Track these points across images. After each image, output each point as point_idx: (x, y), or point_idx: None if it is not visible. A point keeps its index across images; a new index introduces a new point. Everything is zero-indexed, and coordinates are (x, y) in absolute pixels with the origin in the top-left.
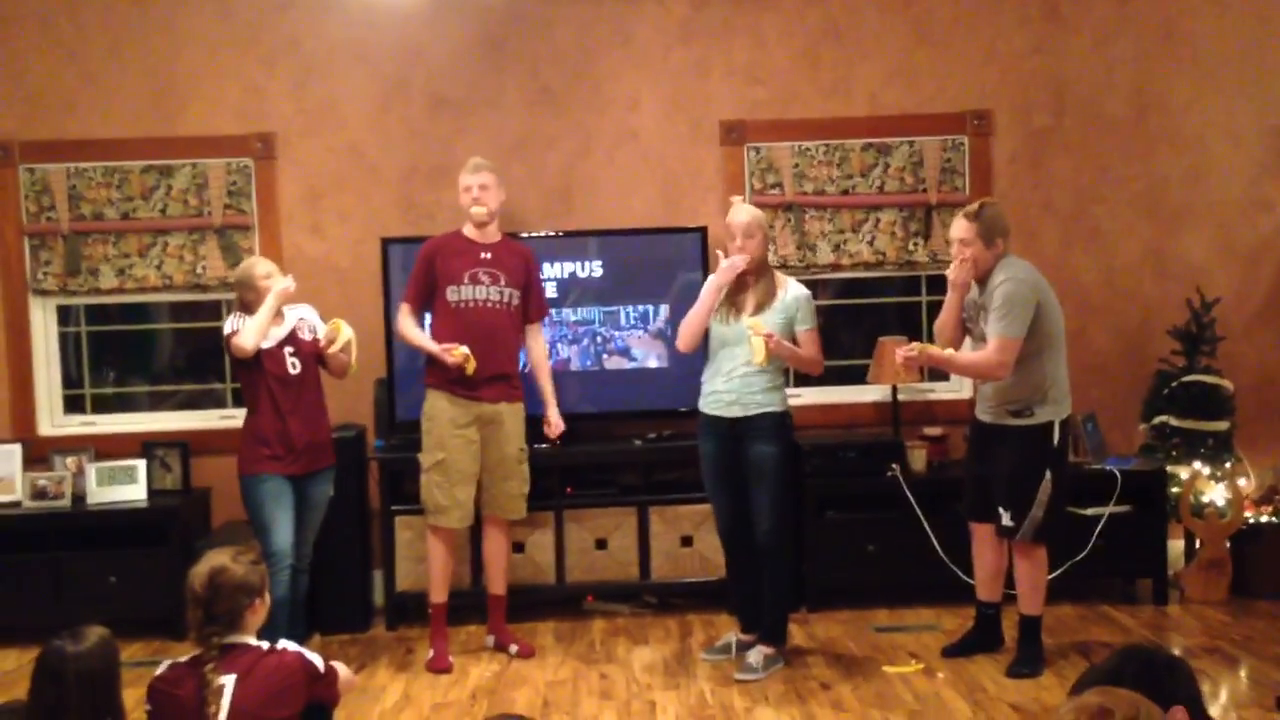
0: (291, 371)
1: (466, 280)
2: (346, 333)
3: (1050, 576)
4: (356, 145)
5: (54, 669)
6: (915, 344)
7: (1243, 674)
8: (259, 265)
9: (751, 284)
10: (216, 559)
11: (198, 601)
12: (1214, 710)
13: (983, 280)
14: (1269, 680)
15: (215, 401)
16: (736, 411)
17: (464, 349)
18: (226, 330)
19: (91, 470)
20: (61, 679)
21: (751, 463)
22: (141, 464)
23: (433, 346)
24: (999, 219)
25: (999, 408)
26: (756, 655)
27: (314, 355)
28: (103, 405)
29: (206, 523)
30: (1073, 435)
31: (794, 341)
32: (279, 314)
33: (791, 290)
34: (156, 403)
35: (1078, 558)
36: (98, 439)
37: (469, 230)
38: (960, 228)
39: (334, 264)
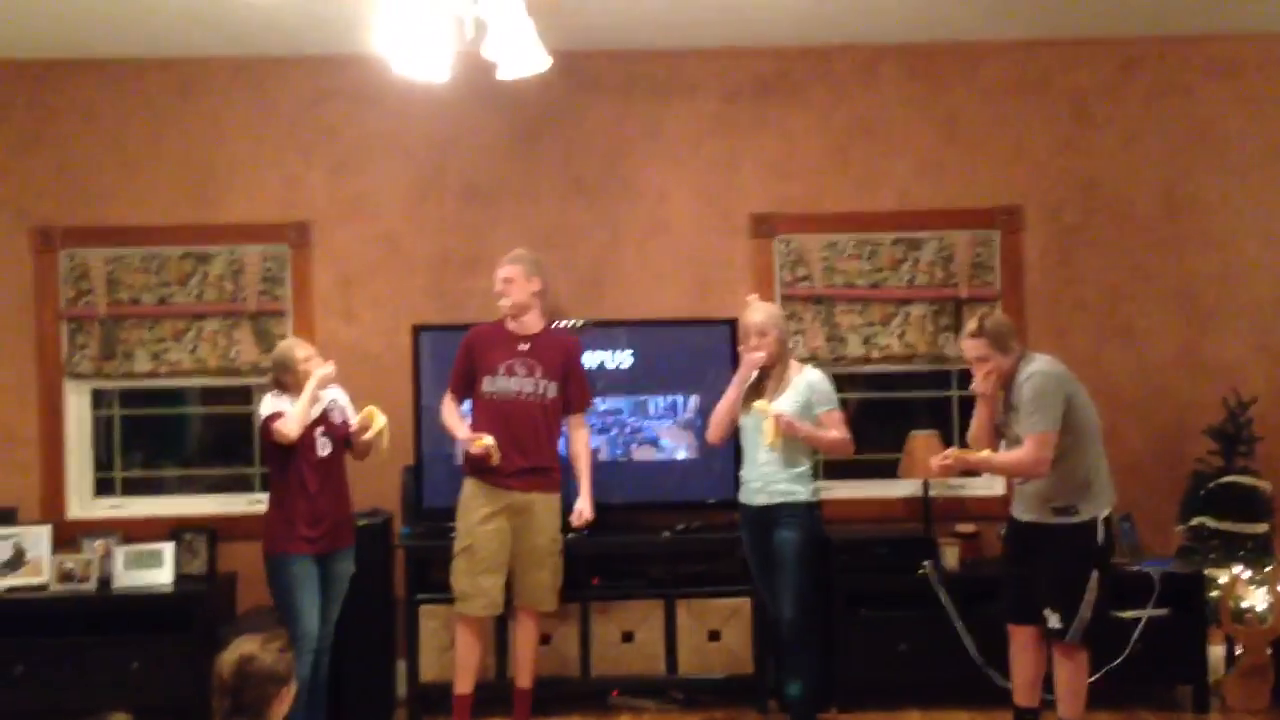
0: (322, 453)
1: (501, 372)
2: (380, 421)
3: (1090, 680)
4: (390, 234)
5: None
6: (950, 450)
7: None
8: (299, 349)
9: (770, 376)
10: (246, 646)
11: (225, 690)
12: None
13: (1007, 384)
14: None
15: (244, 486)
16: (762, 500)
17: (489, 439)
18: (266, 412)
19: (119, 554)
20: None
21: (774, 549)
22: (169, 548)
23: (460, 434)
24: (1001, 324)
25: (1042, 507)
26: None
27: (343, 437)
28: (132, 488)
29: (231, 608)
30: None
31: (816, 425)
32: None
33: (805, 376)
34: (185, 486)
35: (1116, 662)
36: (126, 523)
37: (510, 321)
38: (972, 348)
39: (366, 350)
